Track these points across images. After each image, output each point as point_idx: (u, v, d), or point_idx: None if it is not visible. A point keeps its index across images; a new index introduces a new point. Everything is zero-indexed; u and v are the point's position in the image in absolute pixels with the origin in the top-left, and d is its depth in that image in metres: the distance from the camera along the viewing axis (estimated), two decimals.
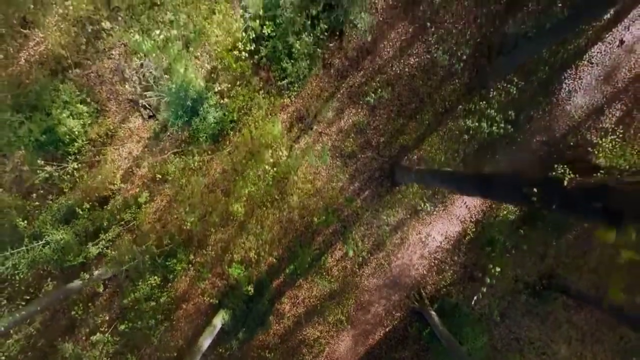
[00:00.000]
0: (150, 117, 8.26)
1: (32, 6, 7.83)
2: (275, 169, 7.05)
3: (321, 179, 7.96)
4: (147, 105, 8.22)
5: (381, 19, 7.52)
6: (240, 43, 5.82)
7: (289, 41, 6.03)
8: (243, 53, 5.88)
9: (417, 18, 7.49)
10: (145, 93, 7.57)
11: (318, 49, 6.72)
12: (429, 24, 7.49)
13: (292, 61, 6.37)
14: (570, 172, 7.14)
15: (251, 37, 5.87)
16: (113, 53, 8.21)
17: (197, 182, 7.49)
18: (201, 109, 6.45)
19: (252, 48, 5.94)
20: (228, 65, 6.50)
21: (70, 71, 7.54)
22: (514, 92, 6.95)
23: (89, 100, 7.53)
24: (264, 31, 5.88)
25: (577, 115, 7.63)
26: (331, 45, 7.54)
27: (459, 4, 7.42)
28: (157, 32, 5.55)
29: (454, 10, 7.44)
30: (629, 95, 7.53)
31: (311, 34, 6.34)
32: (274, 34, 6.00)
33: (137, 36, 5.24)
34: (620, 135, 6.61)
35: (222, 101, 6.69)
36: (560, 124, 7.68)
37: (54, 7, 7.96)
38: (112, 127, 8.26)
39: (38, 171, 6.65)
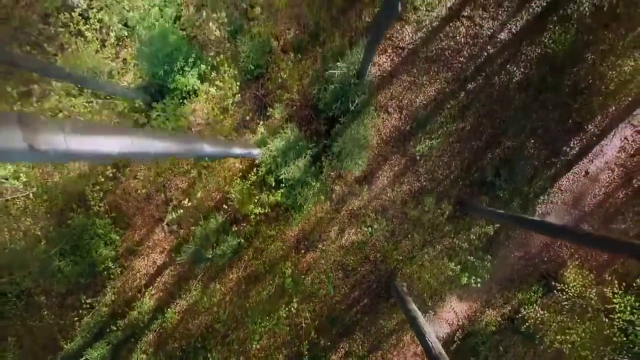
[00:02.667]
0: (171, 232, 9.30)
1: None
2: (287, 308, 8.08)
3: (325, 287, 8.98)
4: (168, 223, 9.25)
5: (376, 152, 8.55)
6: (255, 208, 6.88)
7: (298, 200, 7.06)
8: (256, 211, 6.95)
9: (408, 152, 8.52)
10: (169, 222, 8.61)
11: (321, 195, 7.75)
12: (418, 156, 8.52)
13: (299, 213, 7.42)
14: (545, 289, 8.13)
15: (265, 202, 6.93)
16: (138, 174, 9.25)
17: (217, 298, 8.52)
18: (220, 250, 7.48)
19: (265, 210, 7.02)
20: (243, 214, 7.56)
21: (99, 196, 8.53)
22: (492, 232, 8.00)
23: (118, 229, 8.53)
24: (277, 199, 6.94)
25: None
26: (332, 174, 8.59)
27: (445, 140, 8.46)
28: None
29: (441, 145, 8.48)
30: (594, 218, 8.56)
31: (317, 186, 7.37)
32: (286, 199, 7.04)
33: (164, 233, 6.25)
34: (583, 268, 7.66)
35: (240, 241, 7.73)
36: (535, 241, 8.71)
37: None
38: (137, 240, 9.29)
39: (82, 312, 7.69)
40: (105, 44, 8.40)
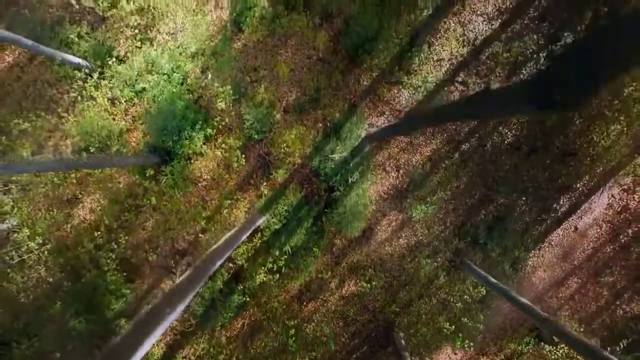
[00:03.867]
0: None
1: (79, 194, 9.24)
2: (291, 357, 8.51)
3: (326, 335, 9.38)
4: (175, 273, 9.65)
5: (374, 208, 8.95)
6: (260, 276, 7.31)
7: (301, 266, 7.47)
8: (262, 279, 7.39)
9: (404, 208, 8.91)
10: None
11: (323, 255, 8.15)
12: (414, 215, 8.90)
13: (301, 275, 7.83)
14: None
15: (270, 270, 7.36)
16: (147, 224, 9.64)
17: (223, 352, 8.93)
18: (227, 316, 7.91)
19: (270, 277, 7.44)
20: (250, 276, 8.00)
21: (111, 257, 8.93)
22: (484, 292, 8.40)
23: (129, 284, 8.94)
24: (281, 265, 7.36)
25: (540, 286, 9.05)
26: (332, 228, 8.98)
27: (439, 204, 8.84)
28: None
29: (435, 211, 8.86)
30: (583, 271, 8.95)
31: (318, 253, 7.77)
32: (289, 266, 7.46)
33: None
34: (573, 319, 8.07)
35: (246, 299, 8.14)
36: (526, 292, 9.09)
37: (99, 190, 9.27)
38: (146, 288, 9.70)
39: None
40: (115, 104, 8.79)
